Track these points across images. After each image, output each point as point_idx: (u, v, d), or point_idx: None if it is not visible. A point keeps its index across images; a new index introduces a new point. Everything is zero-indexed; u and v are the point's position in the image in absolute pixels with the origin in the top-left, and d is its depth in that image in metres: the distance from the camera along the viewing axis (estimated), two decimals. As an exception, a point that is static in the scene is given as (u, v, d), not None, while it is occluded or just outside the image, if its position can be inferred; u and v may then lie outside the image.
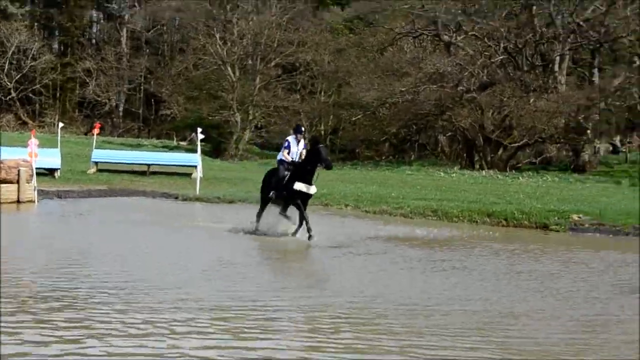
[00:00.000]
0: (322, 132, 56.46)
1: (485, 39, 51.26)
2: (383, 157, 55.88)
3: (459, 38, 53.77)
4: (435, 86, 50.18)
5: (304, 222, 17.43)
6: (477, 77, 50.04)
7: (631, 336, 9.51)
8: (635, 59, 50.20)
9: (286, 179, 17.77)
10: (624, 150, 53.84)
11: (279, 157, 18.52)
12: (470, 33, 52.38)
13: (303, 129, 19.09)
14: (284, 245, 17.30)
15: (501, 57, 51.13)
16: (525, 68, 51.32)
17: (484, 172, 44.47)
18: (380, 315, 9.86)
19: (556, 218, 22.86)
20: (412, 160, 52.25)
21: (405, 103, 51.62)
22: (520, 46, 51.06)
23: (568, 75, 51.95)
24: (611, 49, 52.48)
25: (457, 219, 23.76)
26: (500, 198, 27.84)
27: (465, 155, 51.79)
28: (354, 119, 55.51)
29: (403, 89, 50.88)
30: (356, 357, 7.93)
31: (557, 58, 50.47)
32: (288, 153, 18.05)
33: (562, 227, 22.08)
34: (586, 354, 8.54)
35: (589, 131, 49.16)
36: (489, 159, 48.70)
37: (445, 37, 54.21)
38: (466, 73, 49.99)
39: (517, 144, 49.35)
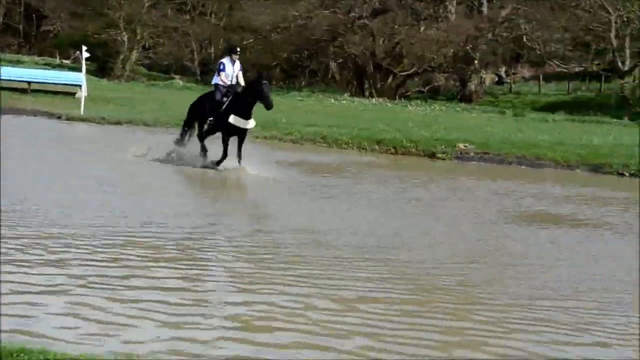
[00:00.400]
0: (213, 56, 55.56)
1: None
2: (273, 83, 55.58)
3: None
4: (327, 12, 50.04)
5: (237, 155, 16.40)
6: (370, 4, 50.05)
7: (514, 259, 9.89)
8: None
9: (223, 107, 16.61)
10: (508, 81, 55.02)
11: (214, 81, 17.32)
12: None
13: (238, 48, 17.67)
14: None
15: (395, -16, 51.23)
16: (418, -4, 51.59)
17: (373, 99, 44.84)
18: (270, 244, 9.92)
19: (443, 147, 23.27)
20: (303, 87, 52.13)
21: (298, 28, 51.33)
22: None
23: (458, 4, 52.45)
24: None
25: (346, 146, 23.94)
26: (389, 126, 28.10)
27: (355, 82, 51.98)
28: (245, 42, 54.80)
29: (296, 14, 50.58)
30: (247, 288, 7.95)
31: (448, -13, 50.88)
32: (225, 76, 16.91)
33: (449, 155, 22.56)
34: (471, 277, 8.80)
35: (476, 61, 50.00)
36: (378, 86, 49.10)
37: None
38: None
39: (406, 72, 49.97)
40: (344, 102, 42.41)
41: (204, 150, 16.99)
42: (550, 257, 10.11)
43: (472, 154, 22.85)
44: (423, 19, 49.45)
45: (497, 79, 55.55)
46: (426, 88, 51.88)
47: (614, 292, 8.61)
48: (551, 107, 45.39)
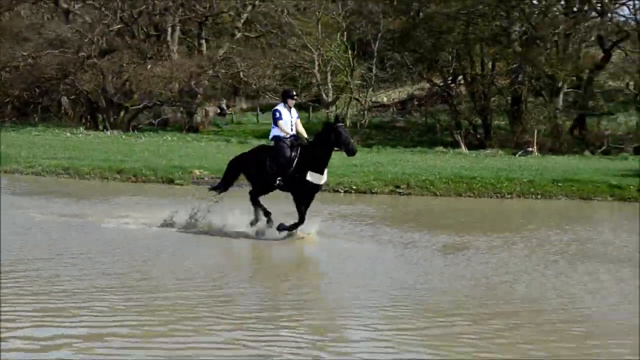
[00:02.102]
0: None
1: (102, 8, 50.77)
2: (6, 119, 53.10)
3: (77, 6, 52.75)
4: (57, 51, 48.96)
5: (299, 220, 13.43)
6: (97, 44, 49.64)
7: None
8: (236, 31, 52.62)
9: (294, 165, 13.41)
10: (230, 112, 56.70)
11: (273, 134, 13.83)
12: (87, 2, 51.57)
13: (294, 93, 14.42)
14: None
15: (118, 26, 51.20)
16: (142, 37, 51.90)
17: (108, 132, 44.47)
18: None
19: (180, 173, 23.94)
20: (37, 122, 50.42)
21: (27, 67, 49.81)
22: (135, 16, 51.53)
23: (179, 44, 53.23)
24: (215, 22, 54.64)
25: (88, 176, 23.93)
26: (127, 156, 28.27)
27: (89, 116, 51.34)
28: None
29: (25, 54, 49.11)
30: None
31: (169, 29, 51.49)
32: (284, 125, 13.74)
33: (186, 181, 23.25)
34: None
35: (200, 95, 51.14)
36: (112, 120, 48.74)
37: (64, 5, 52.79)
38: (86, 40, 49.33)
39: (137, 106, 50.08)
40: (80, 135, 41.64)
41: (258, 218, 13.83)
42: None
43: (207, 179, 23.61)
44: (149, 57, 49.65)
45: (219, 110, 56.96)
46: (157, 120, 52.10)
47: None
48: (269, 135, 47.20)
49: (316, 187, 13.40)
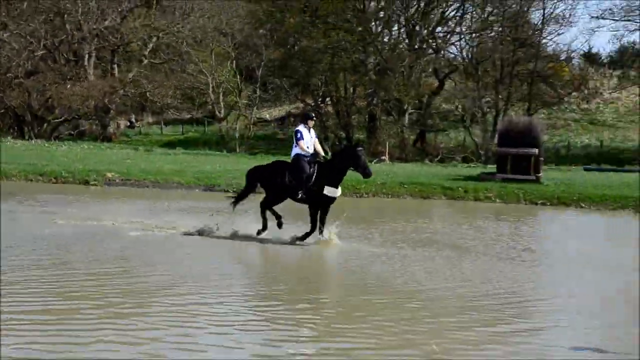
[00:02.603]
0: None
1: (28, 37, 48.21)
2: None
3: (5, 35, 49.85)
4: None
5: (318, 226, 12.45)
6: (24, 67, 47.24)
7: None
8: (143, 58, 51.16)
9: (313, 178, 12.42)
10: (138, 125, 55.09)
11: (295, 152, 12.62)
12: (15, 32, 48.81)
13: (313, 114, 13.43)
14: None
15: (42, 52, 48.80)
16: (63, 61, 49.72)
17: (33, 141, 42.21)
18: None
19: (95, 176, 23.02)
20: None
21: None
22: (57, 44, 49.27)
23: (95, 68, 51.21)
24: (125, 50, 52.97)
25: (15, 178, 22.68)
26: (50, 161, 26.92)
27: (16, 127, 48.72)
28: None
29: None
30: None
31: (86, 55, 49.48)
32: (304, 144, 12.55)
33: (100, 182, 22.40)
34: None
35: (112, 111, 49.49)
36: (36, 131, 46.52)
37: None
38: (14, 63, 46.81)
39: (58, 120, 48.09)
40: (9, 143, 39.30)
41: (266, 226, 12.64)
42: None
43: (117, 181, 22.88)
44: (68, 78, 47.59)
45: (129, 123, 55.32)
46: (75, 131, 50.07)
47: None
48: (171, 144, 46.29)
49: (331, 200, 12.47)
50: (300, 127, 12.63)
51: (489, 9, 45.22)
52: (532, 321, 7.87)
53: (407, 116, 43.90)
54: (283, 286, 9.07)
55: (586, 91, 49.02)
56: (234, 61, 48.99)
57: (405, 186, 23.40)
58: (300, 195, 12.39)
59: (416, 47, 44.60)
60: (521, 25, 44.86)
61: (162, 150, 41.09)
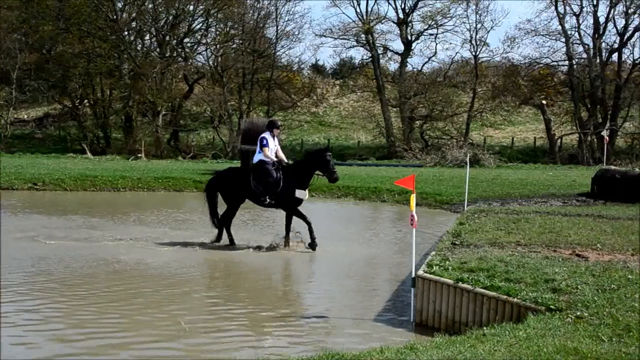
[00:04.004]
0: None
1: None
2: None
3: None
4: None
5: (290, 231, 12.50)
6: None
7: None
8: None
9: (280, 183, 12.19)
10: None
11: (257, 157, 12.41)
12: None
13: (279, 123, 13.02)
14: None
15: None
16: None
17: None
18: None
19: None
20: None
21: None
22: None
23: None
24: None
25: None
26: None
27: None
28: None
29: None
30: None
31: None
32: (269, 151, 12.43)
33: None
34: None
35: None
36: None
37: None
38: None
39: None
40: None
41: (220, 237, 12.55)
42: None
43: None
44: None
45: None
46: None
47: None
48: None
49: (300, 201, 12.41)
50: (266, 135, 12.52)
51: (230, 23, 49.28)
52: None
53: (161, 117, 45.32)
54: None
55: (315, 97, 55.22)
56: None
57: (160, 180, 23.75)
58: (267, 201, 12.31)
59: (167, 55, 46.63)
60: (258, 39, 49.60)
61: None
